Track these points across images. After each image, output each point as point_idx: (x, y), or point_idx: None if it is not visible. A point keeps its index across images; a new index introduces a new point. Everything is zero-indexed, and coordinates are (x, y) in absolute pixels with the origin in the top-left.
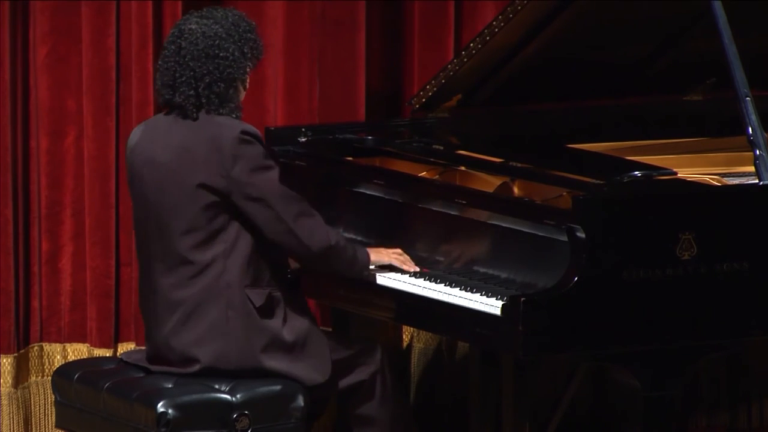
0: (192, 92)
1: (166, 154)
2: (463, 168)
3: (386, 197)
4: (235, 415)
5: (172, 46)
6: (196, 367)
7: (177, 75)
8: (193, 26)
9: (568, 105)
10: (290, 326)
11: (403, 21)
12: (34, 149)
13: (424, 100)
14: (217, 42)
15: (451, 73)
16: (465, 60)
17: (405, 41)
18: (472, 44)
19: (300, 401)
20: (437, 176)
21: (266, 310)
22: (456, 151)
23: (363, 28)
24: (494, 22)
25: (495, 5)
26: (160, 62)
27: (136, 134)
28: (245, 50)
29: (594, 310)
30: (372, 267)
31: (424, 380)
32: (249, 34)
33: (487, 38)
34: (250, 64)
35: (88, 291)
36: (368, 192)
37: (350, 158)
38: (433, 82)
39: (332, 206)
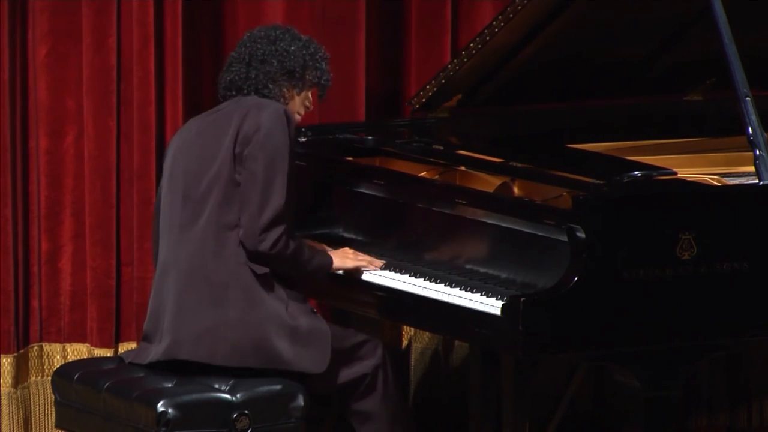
0: (244, 68)
1: (201, 128)
2: (463, 168)
3: (386, 197)
4: (235, 415)
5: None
6: (185, 341)
7: (235, 55)
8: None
9: (568, 105)
10: (291, 312)
11: (402, 20)
12: (34, 149)
13: (424, 100)
14: (284, 36)
15: (451, 73)
16: (465, 60)
17: (403, 41)
18: (472, 44)
19: (300, 401)
20: (437, 176)
21: (268, 284)
22: (456, 151)
23: (363, 28)
24: (494, 22)
25: (492, 5)
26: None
27: (173, 137)
28: (307, 58)
29: (594, 310)
30: (340, 272)
31: (423, 380)
32: (318, 56)
33: (487, 38)
34: (307, 75)
35: (89, 291)
36: (368, 192)
37: (350, 158)
38: (433, 82)
39: (332, 206)
